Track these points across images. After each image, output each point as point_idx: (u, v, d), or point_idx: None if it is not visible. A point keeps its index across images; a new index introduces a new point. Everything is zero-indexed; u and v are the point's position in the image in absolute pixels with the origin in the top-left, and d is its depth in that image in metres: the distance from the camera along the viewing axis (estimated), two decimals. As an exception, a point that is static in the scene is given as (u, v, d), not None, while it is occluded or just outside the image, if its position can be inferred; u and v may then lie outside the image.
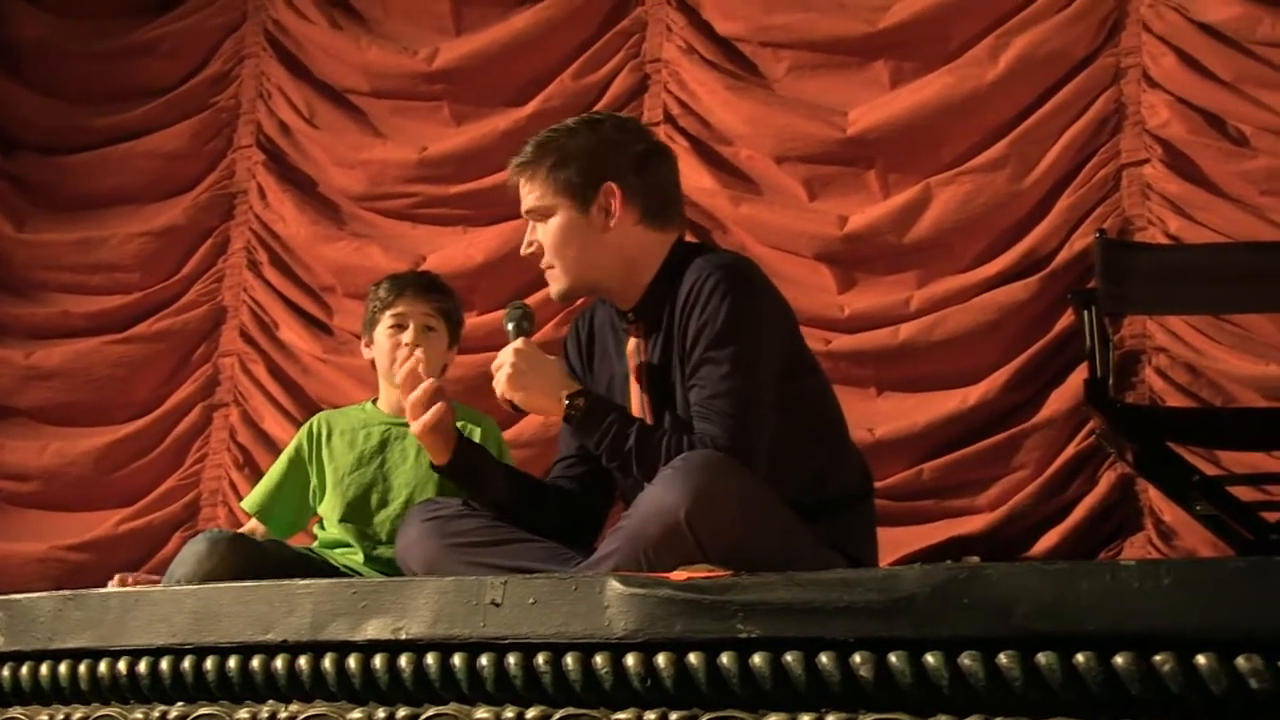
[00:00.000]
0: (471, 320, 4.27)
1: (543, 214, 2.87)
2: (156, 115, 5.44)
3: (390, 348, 3.48)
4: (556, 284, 2.90)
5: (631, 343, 2.88)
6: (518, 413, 2.90)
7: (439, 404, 2.85)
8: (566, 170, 2.84)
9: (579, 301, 3.24)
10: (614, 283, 2.89)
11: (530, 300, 3.50)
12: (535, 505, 2.93)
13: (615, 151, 2.85)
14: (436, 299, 3.55)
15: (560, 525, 2.88)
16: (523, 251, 2.94)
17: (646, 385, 2.84)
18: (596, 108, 4.78)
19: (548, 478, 3.05)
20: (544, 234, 2.87)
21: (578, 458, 2.98)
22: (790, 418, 2.76)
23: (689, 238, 3.78)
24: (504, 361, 2.79)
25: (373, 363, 3.61)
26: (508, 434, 4.02)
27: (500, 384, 2.80)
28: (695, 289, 2.74)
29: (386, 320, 3.50)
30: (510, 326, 2.88)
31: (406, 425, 3.48)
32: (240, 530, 3.64)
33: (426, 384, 2.88)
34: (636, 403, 2.86)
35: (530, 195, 2.88)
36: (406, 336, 3.46)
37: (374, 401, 3.62)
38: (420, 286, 3.56)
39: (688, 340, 2.74)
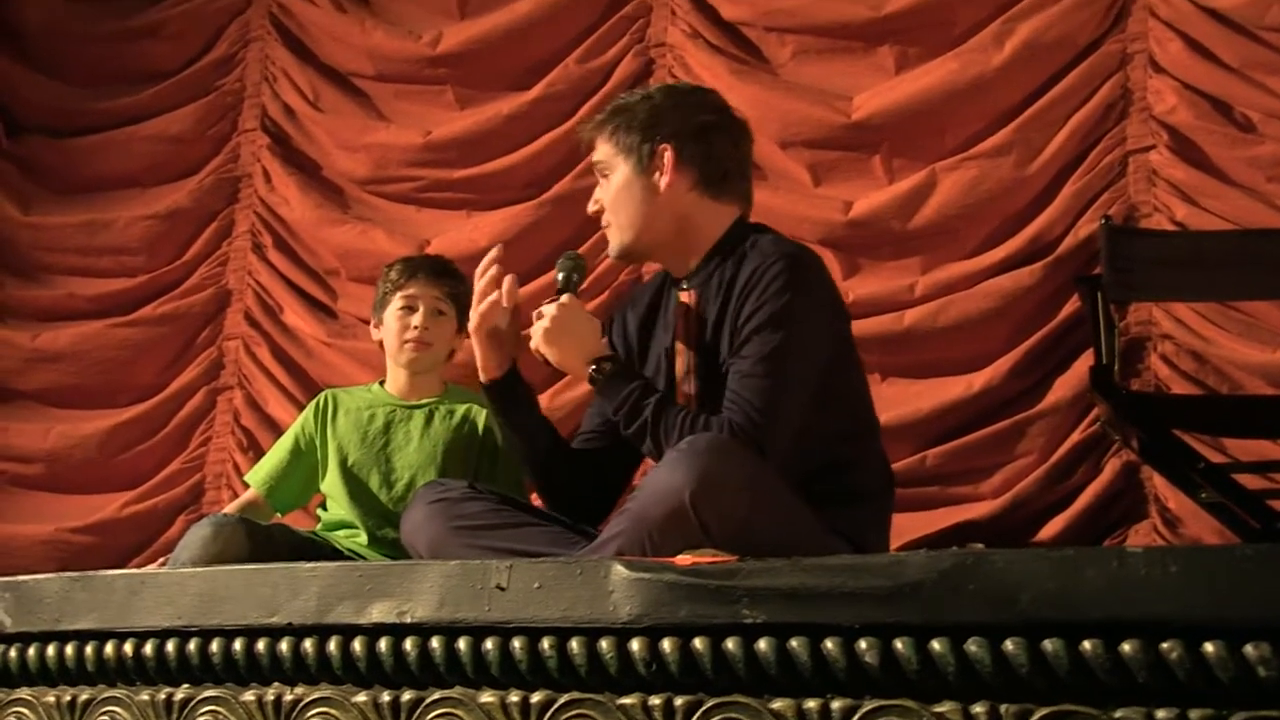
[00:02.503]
0: (475, 305, 4.27)
1: (604, 171, 2.96)
2: (161, 98, 5.44)
3: (399, 329, 3.50)
4: (614, 240, 2.97)
5: (682, 311, 2.91)
6: (548, 366, 2.92)
7: (494, 300, 2.86)
8: (629, 131, 2.93)
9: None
10: (668, 246, 2.94)
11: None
12: (558, 455, 2.97)
13: (677, 116, 2.93)
14: (448, 283, 3.57)
15: (578, 487, 2.93)
16: (589, 209, 3.02)
17: (694, 356, 2.86)
18: (601, 92, 4.78)
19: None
20: (605, 192, 2.96)
21: (598, 434, 3.01)
22: (820, 412, 2.77)
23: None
24: (545, 314, 2.83)
25: (381, 345, 3.62)
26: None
27: (536, 336, 2.84)
28: (758, 273, 2.77)
29: (397, 302, 3.52)
30: (560, 276, 2.93)
31: (411, 408, 3.51)
32: (237, 501, 3.65)
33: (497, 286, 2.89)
34: (682, 367, 2.88)
35: (596, 153, 2.98)
36: (416, 319, 3.48)
37: (381, 383, 3.62)
38: (432, 270, 3.58)
39: (740, 319, 2.76)
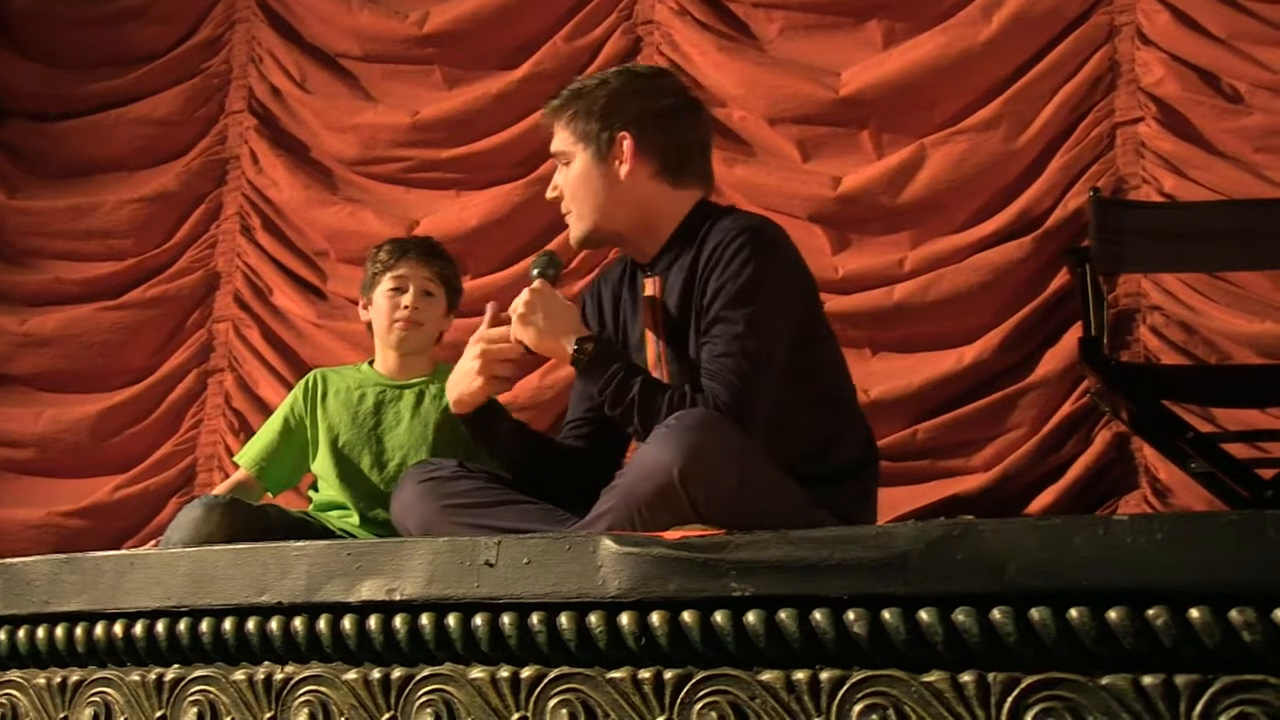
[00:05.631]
0: (466, 284, 4.26)
1: (565, 159, 2.92)
2: (148, 81, 5.44)
3: (389, 310, 3.50)
4: (574, 229, 2.94)
5: (648, 297, 2.89)
6: (529, 354, 2.89)
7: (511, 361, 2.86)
8: (588, 119, 2.89)
9: (610, 253, 3.24)
10: (630, 234, 2.92)
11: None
12: (544, 463, 2.95)
13: (637, 103, 2.89)
14: (437, 264, 3.57)
15: (567, 484, 2.89)
16: (547, 195, 3.00)
17: (662, 338, 2.85)
18: (589, 70, 4.77)
19: (557, 438, 3.07)
20: (565, 179, 2.92)
21: (586, 420, 3.00)
22: (797, 384, 2.76)
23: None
24: (519, 301, 2.82)
25: (369, 325, 3.61)
26: (502, 398, 4.02)
27: (513, 324, 2.82)
28: (720, 248, 2.75)
29: (387, 282, 3.52)
30: (534, 272, 2.90)
31: (401, 387, 3.50)
32: (228, 481, 3.64)
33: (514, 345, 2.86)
34: (652, 356, 2.87)
35: (555, 140, 2.95)
36: (406, 299, 3.48)
37: (370, 363, 3.62)
38: (422, 251, 3.58)
39: (706, 297, 2.75)
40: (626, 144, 2.85)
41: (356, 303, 3.85)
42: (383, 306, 3.52)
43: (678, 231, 2.87)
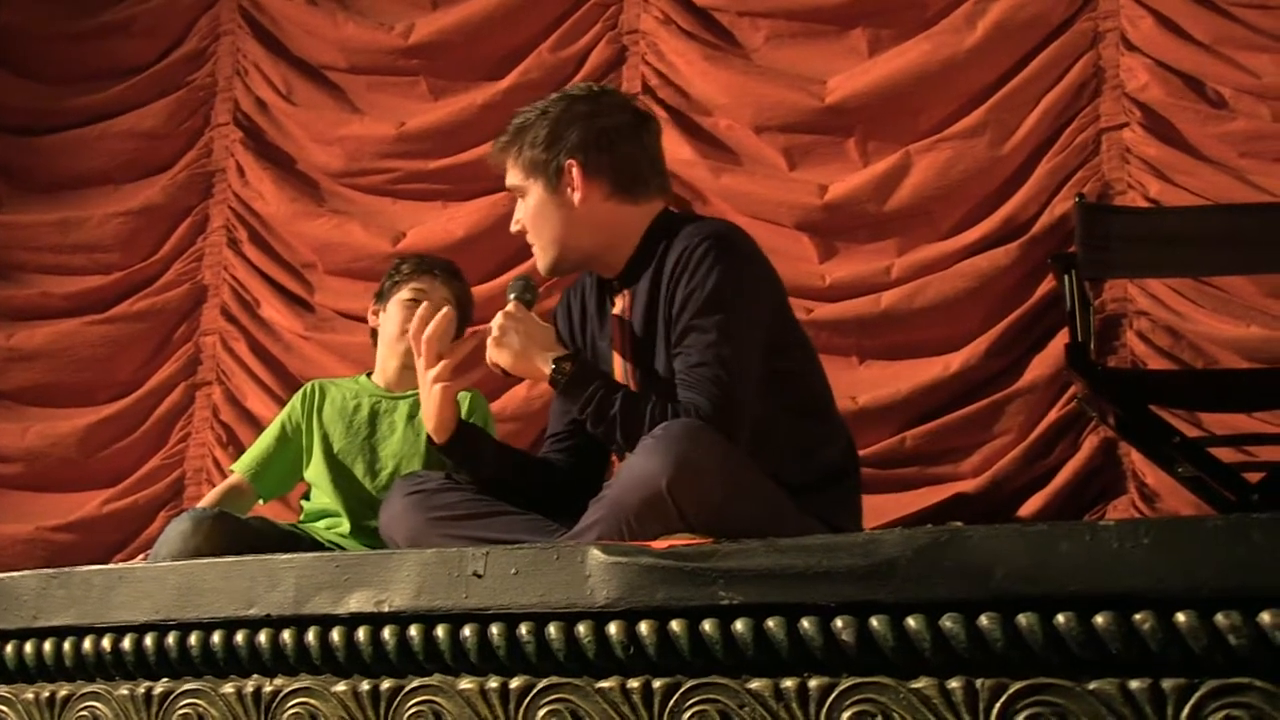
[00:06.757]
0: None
1: (521, 193, 2.92)
2: (133, 94, 5.43)
3: (404, 319, 3.50)
4: (540, 260, 2.93)
5: (616, 310, 2.89)
6: (507, 377, 2.88)
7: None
8: (534, 150, 2.88)
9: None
10: (595, 255, 2.91)
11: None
12: (526, 482, 2.94)
13: (579, 128, 2.87)
14: (457, 286, 3.61)
15: (551, 500, 2.88)
16: (511, 229, 2.98)
17: (631, 352, 2.85)
18: (575, 80, 4.77)
19: (539, 454, 3.06)
20: (524, 212, 2.91)
21: (568, 433, 2.99)
22: (775, 392, 2.76)
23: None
24: (493, 324, 2.81)
25: (373, 333, 3.63)
26: (492, 406, 4.02)
27: (488, 347, 2.81)
28: (684, 256, 2.75)
29: (405, 293, 3.55)
30: (511, 295, 2.89)
31: (397, 398, 3.52)
32: (221, 486, 3.65)
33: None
34: (620, 369, 2.86)
35: (508, 176, 2.94)
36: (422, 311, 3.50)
37: (369, 375, 3.64)
38: (446, 272, 3.62)
39: (674, 307, 2.74)
40: (574, 171, 2.84)
41: (344, 314, 3.87)
42: (396, 315, 3.55)
43: (641, 245, 2.87)
